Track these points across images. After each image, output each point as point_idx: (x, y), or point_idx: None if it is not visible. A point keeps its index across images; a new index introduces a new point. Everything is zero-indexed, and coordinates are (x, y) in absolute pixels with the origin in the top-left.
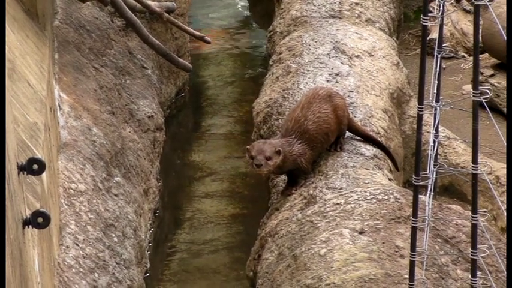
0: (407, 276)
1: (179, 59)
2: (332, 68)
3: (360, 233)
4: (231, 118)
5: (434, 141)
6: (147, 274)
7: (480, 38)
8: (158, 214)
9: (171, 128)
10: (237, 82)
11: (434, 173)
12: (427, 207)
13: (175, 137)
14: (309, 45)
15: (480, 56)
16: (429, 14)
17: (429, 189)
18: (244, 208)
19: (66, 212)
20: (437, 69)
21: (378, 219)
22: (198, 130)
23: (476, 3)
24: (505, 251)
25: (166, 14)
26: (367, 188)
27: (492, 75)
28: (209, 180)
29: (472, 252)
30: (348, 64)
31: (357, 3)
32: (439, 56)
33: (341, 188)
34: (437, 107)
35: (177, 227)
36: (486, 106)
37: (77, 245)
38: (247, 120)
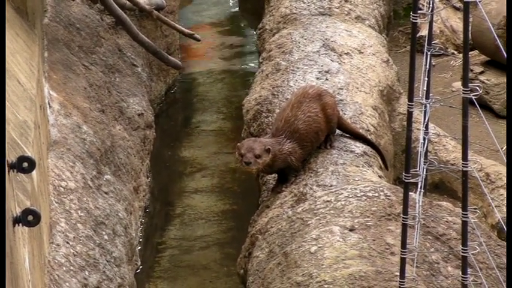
0: (397, 274)
1: (169, 56)
2: (322, 66)
3: (351, 230)
4: (221, 114)
5: (424, 139)
6: (138, 271)
7: (470, 35)
8: (148, 211)
9: (161, 125)
10: (227, 79)
11: (425, 170)
12: (417, 205)
13: (165, 133)
14: (299, 42)
15: (470, 53)
16: (419, 11)
17: (419, 186)
18: (234, 204)
19: (57, 210)
20: (427, 66)
21: (368, 217)
22: (188, 126)
23: (465, 0)
24: (495, 248)
25: (155, 12)
26: (358, 185)
27: (482, 72)
28: (199, 176)
29: (462, 249)
30: (337, 61)
31: (346, 1)
32: (429, 53)
33: (331, 185)
34: (427, 104)
35: (168, 224)
36: (476, 103)
37: (68, 243)
38: (237, 117)
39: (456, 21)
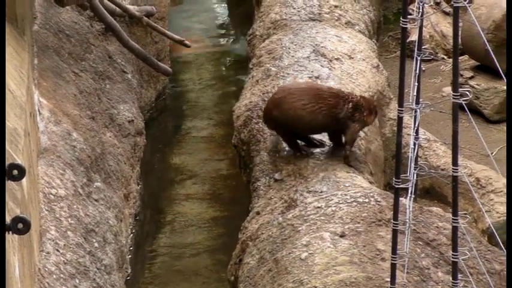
0: (388, 279)
1: (159, 63)
2: (312, 71)
3: (341, 236)
4: (211, 121)
5: (414, 144)
6: (128, 278)
7: (460, 40)
8: (139, 218)
9: (151, 131)
10: (217, 85)
11: (415, 175)
12: (407, 210)
13: (155, 140)
14: (289, 48)
15: (460, 58)
16: (409, 17)
17: (410, 191)
18: (225, 210)
19: (47, 218)
20: (417, 71)
21: (358, 222)
22: (178, 133)
23: (455, 5)
24: (486, 253)
25: (145, 18)
26: (348, 191)
27: (472, 77)
28: (190, 183)
29: (453, 254)
30: (327, 67)
31: (336, 6)
32: (419, 58)
33: (322, 192)
34: (417, 109)
35: (158, 231)
36: (466, 108)
37: (58, 250)
38: (227, 123)
39: (446, 26)
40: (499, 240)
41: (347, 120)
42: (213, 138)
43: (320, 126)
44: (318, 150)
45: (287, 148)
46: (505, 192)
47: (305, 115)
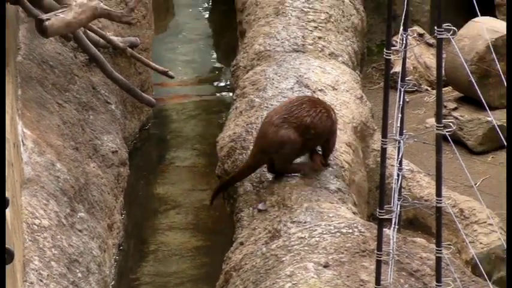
0: None
1: (143, 94)
2: None
3: (325, 266)
4: (195, 151)
5: (398, 175)
6: None
7: (443, 71)
8: (122, 248)
9: (135, 161)
10: (201, 115)
11: (399, 206)
12: (391, 241)
13: (139, 169)
14: (273, 79)
15: (443, 89)
16: (392, 48)
17: (393, 222)
18: (208, 240)
19: (30, 248)
20: (401, 102)
21: (342, 253)
22: (162, 163)
23: (439, 37)
24: (469, 284)
25: (129, 49)
26: (332, 221)
27: (455, 109)
28: (173, 213)
29: (436, 285)
30: None
31: (320, 37)
32: (402, 89)
33: (305, 222)
34: (401, 141)
35: (142, 261)
36: (450, 139)
37: (41, 281)
38: (211, 153)
39: (429, 58)
40: (483, 270)
41: None
42: (197, 168)
43: None
44: None
45: (270, 178)
46: (488, 223)
47: None
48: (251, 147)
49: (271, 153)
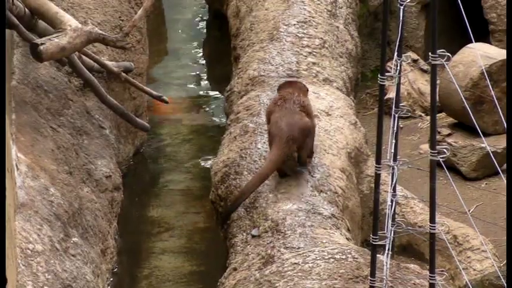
0: None
1: (137, 118)
2: None
3: None
4: (189, 174)
5: (391, 201)
6: None
7: (437, 97)
8: (116, 272)
9: (129, 184)
10: (195, 140)
11: (392, 232)
12: (384, 267)
13: (133, 192)
14: (267, 104)
15: (437, 115)
16: (386, 74)
17: (387, 248)
18: (202, 265)
19: (24, 273)
20: (395, 128)
21: (336, 279)
22: (155, 186)
23: (433, 63)
24: None
25: (124, 74)
26: (325, 247)
27: (449, 135)
28: (167, 236)
29: None
30: None
31: (314, 63)
32: (396, 115)
33: (299, 248)
34: (395, 166)
35: (135, 286)
36: (443, 165)
37: None
38: (204, 177)
39: (423, 84)
40: None
41: None
42: (190, 191)
43: None
44: None
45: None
46: (482, 249)
47: None
48: (245, 173)
49: (300, 141)
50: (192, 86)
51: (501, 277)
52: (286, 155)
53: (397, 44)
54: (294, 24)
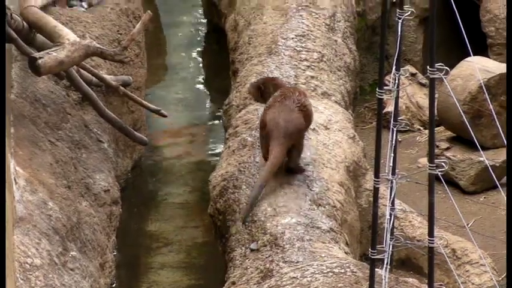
0: None
1: (135, 132)
2: None
3: None
4: (187, 187)
5: (390, 215)
6: None
7: (435, 111)
8: (114, 286)
9: (127, 198)
10: (193, 153)
11: (391, 246)
12: (383, 281)
13: (131, 206)
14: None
15: (436, 129)
16: (385, 88)
17: (385, 262)
18: (200, 279)
19: (22, 287)
20: (393, 142)
21: None
22: (154, 200)
23: (431, 76)
24: None
25: (122, 88)
26: (324, 261)
27: (448, 148)
28: (166, 251)
29: None
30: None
31: (312, 77)
32: (395, 129)
33: (298, 262)
34: (393, 180)
35: None
36: (442, 179)
37: None
38: (203, 191)
39: (422, 97)
40: None
41: None
42: (189, 205)
43: None
44: None
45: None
46: (481, 263)
47: None
48: (243, 187)
49: (294, 140)
50: (190, 99)
51: None
52: (287, 149)
53: (396, 57)
54: (292, 38)
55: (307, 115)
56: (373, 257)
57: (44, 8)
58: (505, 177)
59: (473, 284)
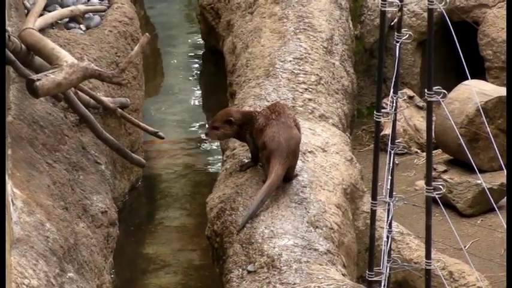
0: None
1: (133, 154)
2: None
3: None
4: (184, 211)
5: (387, 237)
6: None
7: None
8: None
9: (124, 220)
10: (190, 175)
11: (388, 268)
12: None
13: (128, 229)
14: None
15: (433, 152)
16: (382, 110)
17: (383, 284)
18: None
19: None
20: (391, 164)
21: None
22: (151, 222)
23: (429, 99)
24: None
25: (119, 110)
26: (321, 283)
27: (445, 171)
28: (163, 273)
29: None
30: (301, 160)
31: (310, 99)
32: (392, 151)
33: (295, 284)
34: (391, 203)
35: None
36: (439, 202)
37: None
38: (200, 213)
39: (419, 120)
40: None
41: None
42: (186, 228)
43: None
44: None
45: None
46: (478, 286)
47: None
48: (241, 209)
49: (297, 155)
50: (188, 121)
51: None
52: (287, 168)
53: (393, 80)
54: (290, 61)
55: (299, 128)
56: (370, 279)
57: (42, 30)
58: (503, 199)
59: None
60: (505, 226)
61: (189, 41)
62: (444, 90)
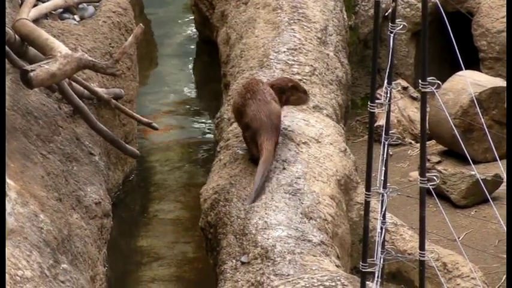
0: None
1: (127, 145)
2: (279, 155)
3: None
4: (179, 203)
5: (381, 228)
6: None
7: (427, 125)
8: None
9: (118, 213)
10: (185, 167)
11: (382, 259)
12: None
13: (122, 221)
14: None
15: (427, 142)
16: (376, 101)
17: (376, 276)
18: None
19: None
20: (384, 155)
21: None
22: (145, 215)
23: (423, 90)
24: None
25: (114, 101)
26: (315, 274)
27: (439, 162)
28: (156, 266)
29: None
30: (295, 151)
31: None
32: (386, 142)
33: (288, 275)
34: (385, 194)
35: None
36: (433, 193)
37: None
38: (194, 206)
39: (413, 111)
40: None
41: None
42: (180, 221)
43: None
44: None
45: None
46: (471, 277)
47: None
48: (234, 200)
49: (280, 128)
50: (181, 111)
51: None
52: (276, 143)
53: (387, 71)
54: (284, 52)
55: (276, 101)
56: (364, 270)
57: (36, 20)
58: (497, 190)
59: None
60: (499, 219)
61: (183, 31)
62: (438, 81)
